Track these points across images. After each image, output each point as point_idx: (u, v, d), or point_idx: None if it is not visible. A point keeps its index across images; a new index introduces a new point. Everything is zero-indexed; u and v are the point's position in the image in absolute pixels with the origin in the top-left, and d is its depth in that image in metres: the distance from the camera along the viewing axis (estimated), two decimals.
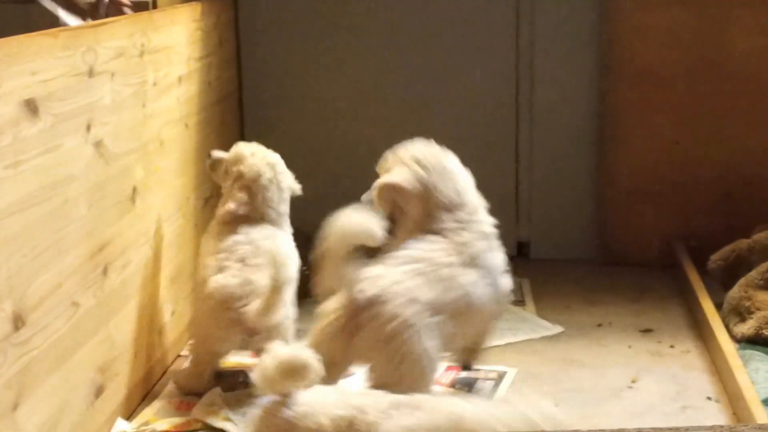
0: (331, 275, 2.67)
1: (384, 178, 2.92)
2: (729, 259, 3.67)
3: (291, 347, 2.32)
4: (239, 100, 4.34)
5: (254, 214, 3.10)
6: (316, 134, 4.34)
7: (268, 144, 4.30)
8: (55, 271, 2.41)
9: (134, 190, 2.94)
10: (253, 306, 2.87)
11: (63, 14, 3.28)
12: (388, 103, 4.26)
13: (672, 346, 3.41)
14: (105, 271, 2.71)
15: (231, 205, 3.09)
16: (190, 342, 3.19)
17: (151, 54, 3.12)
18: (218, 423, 2.80)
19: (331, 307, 2.69)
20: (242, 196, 3.09)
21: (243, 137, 4.36)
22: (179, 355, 3.36)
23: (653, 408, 2.96)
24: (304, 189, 4.34)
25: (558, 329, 3.58)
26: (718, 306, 3.48)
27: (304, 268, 3.14)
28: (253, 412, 2.84)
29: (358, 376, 2.81)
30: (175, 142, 3.39)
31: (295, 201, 4.32)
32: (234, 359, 3.12)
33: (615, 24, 4.10)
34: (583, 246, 4.31)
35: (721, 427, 1.98)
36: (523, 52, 4.21)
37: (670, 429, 1.99)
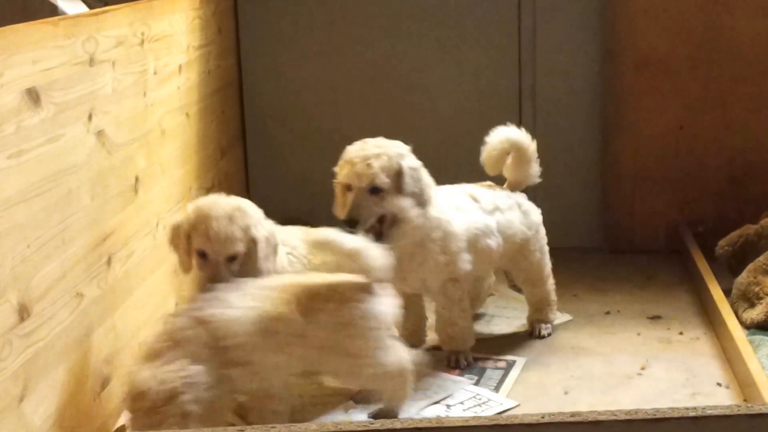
0: None
1: None
2: (736, 245, 3.64)
3: None
4: (239, 89, 4.30)
5: None
6: (316, 122, 4.31)
7: (268, 132, 4.30)
8: (59, 262, 2.38)
9: (136, 179, 2.91)
10: None
11: (62, 3, 3.24)
12: (389, 90, 4.22)
13: (681, 333, 3.38)
14: (109, 262, 2.68)
15: None
16: None
17: (152, 42, 3.09)
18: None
19: None
20: None
21: (243, 126, 4.34)
22: None
23: (663, 395, 2.94)
24: (303, 177, 4.34)
25: (566, 317, 3.55)
26: (727, 292, 3.45)
27: None
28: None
29: None
30: (176, 131, 3.35)
31: (293, 189, 4.32)
32: None
33: (618, 8, 4.06)
34: (589, 233, 4.28)
35: (738, 406, 1.93)
36: (525, 38, 4.18)
37: (687, 409, 1.94)
